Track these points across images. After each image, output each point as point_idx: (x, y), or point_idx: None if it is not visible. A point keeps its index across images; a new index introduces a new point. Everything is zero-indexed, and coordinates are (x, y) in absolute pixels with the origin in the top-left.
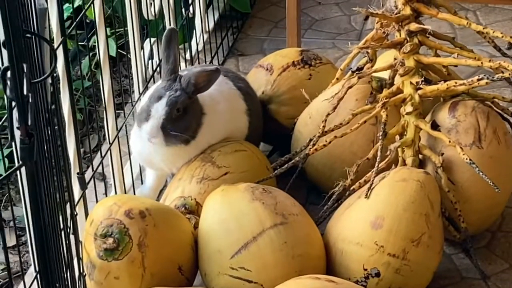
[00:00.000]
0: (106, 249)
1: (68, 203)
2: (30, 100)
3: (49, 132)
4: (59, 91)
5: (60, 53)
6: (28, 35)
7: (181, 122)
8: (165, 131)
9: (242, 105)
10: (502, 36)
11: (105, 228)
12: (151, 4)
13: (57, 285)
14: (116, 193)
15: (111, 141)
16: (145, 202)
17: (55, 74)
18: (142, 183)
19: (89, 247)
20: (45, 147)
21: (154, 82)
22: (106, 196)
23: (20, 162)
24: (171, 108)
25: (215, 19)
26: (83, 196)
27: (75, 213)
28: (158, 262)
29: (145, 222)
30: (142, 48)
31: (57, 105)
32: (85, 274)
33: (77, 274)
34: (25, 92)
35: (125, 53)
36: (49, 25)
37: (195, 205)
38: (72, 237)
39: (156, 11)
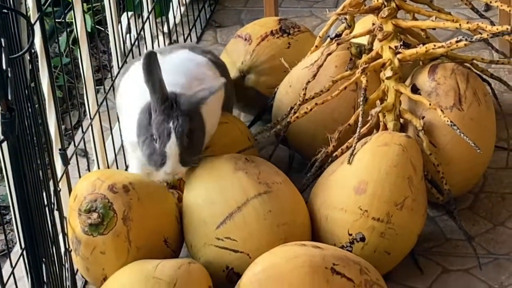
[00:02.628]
0: (91, 224)
1: (51, 180)
2: (10, 75)
3: (29, 108)
4: (38, 68)
5: (37, 29)
6: (5, 10)
7: (194, 143)
8: (184, 163)
9: (220, 79)
10: None
11: (89, 203)
12: None
13: (43, 260)
14: (98, 168)
15: (92, 117)
16: (128, 176)
17: (33, 50)
18: (124, 158)
19: (74, 222)
20: (26, 124)
21: (133, 57)
22: (89, 172)
23: (2, 137)
24: (181, 140)
25: None
26: (65, 172)
27: (59, 189)
28: (144, 236)
29: (129, 196)
30: (119, 22)
31: (37, 82)
32: (71, 250)
33: (62, 249)
34: (4, 67)
35: (102, 29)
36: (25, 1)
37: (177, 180)
38: (56, 213)
39: None
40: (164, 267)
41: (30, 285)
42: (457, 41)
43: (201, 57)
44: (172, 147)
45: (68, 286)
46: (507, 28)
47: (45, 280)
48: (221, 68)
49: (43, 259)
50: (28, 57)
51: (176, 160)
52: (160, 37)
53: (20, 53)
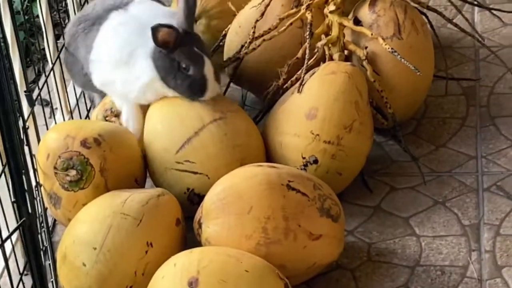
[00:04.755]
0: (71, 181)
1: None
2: None
3: None
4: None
5: None
6: None
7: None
8: (218, 80)
9: None
10: None
11: (65, 161)
12: None
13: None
14: (62, 112)
15: (53, 62)
16: (94, 127)
17: None
18: (86, 105)
19: (50, 180)
20: None
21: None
22: (54, 119)
23: None
24: (211, 60)
25: None
26: (32, 112)
27: (27, 126)
28: (119, 181)
29: (102, 148)
30: None
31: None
32: (41, 185)
33: (33, 183)
34: None
35: None
36: None
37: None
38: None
39: None
40: (132, 202)
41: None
42: None
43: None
44: (209, 68)
45: (41, 215)
46: None
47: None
48: None
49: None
50: None
51: (214, 79)
52: None
53: None
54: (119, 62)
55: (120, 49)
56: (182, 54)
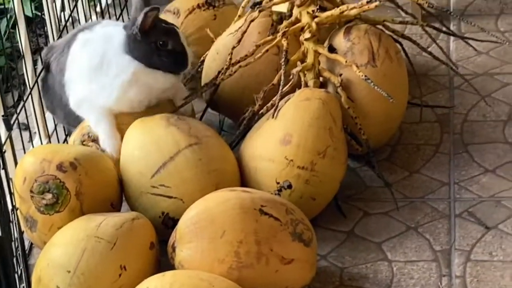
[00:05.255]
0: (46, 205)
1: None
2: None
3: None
4: None
5: None
6: None
7: None
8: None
9: None
10: None
11: (41, 185)
12: None
13: None
14: (40, 137)
15: (31, 87)
16: (70, 151)
17: None
18: (64, 130)
19: (26, 203)
20: None
21: (67, 32)
22: (32, 143)
23: None
24: None
25: None
26: (9, 136)
27: (4, 150)
28: (95, 205)
29: (77, 172)
30: (54, 1)
31: None
32: (17, 208)
33: (10, 207)
34: None
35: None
36: None
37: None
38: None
39: None
40: (107, 225)
41: None
42: (367, 2)
43: None
44: (183, 38)
45: (16, 239)
46: None
47: None
48: None
49: None
50: None
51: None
52: (94, 17)
53: None
54: (92, 71)
55: (90, 59)
56: (156, 33)
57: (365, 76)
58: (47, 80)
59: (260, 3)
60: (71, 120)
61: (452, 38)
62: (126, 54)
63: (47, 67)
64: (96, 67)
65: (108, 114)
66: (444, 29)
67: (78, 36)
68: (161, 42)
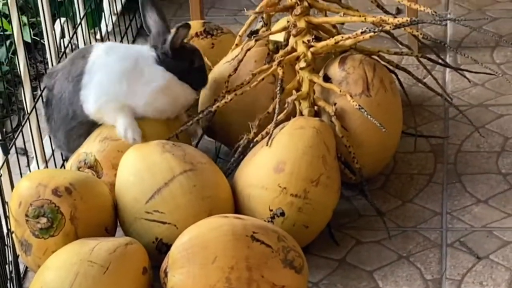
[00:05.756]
0: (41, 229)
1: None
2: None
3: None
4: None
5: None
6: None
7: None
8: None
9: None
10: None
11: (36, 209)
12: None
13: None
14: (37, 164)
15: (29, 111)
16: (66, 176)
17: None
18: (62, 155)
19: (21, 227)
20: None
21: (65, 57)
22: (29, 168)
23: None
24: None
25: (123, 2)
26: (6, 161)
27: (0, 174)
28: (89, 230)
29: (72, 197)
30: (53, 28)
31: None
32: (13, 232)
33: (5, 231)
34: None
35: (38, 39)
36: None
37: (94, 161)
38: None
39: None
40: (100, 250)
41: None
42: (362, 32)
43: None
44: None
45: (11, 262)
46: (407, 20)
47: None
48: None
49: None
50: None
51: None
52: (93, 43)
53: None
54: (125, 71)
55: (122, 63)
56: (184, 51)
57: (359, 105)
58: (50, 103)
59: (257, 32)
60: (71, 141)
61: (448, 69)
62: (159, 65)
63: (49, 90)
64: (129, 70)
65: (129, 111)
66: (440, 60)
67: (93, 47)
68: (190, 60)
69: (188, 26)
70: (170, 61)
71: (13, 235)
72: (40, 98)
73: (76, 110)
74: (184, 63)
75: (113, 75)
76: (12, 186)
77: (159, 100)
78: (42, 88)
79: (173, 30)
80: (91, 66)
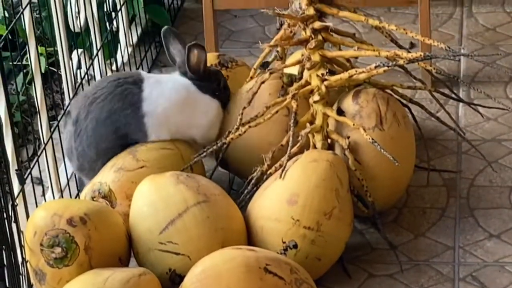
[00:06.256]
0: (55, 258)
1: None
2: None
3: None
4: None
5: None
6: None
7: None
8: None
9: None
10: (396, 29)
11: (51, 239)
12: (77, 17)
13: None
14: (52, 191)
15: (45, 142)
16: (80, 206)
17: None
18: (77, 185)
19: (36, 256)
20: None
21: (83, 89)
22: (44, 197)
23: None
24: None
25: (138, 34)
26: (22, 190)
27: (16, 203)
28: (103, 260)
29: (87, 227)
30: (70, 59)
31: None
32: (27, 261)
33: (20, 260)
34: None
35: (55, 70)
36: None
37: (108, 191)
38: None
39: (81, 24)
40: (114, 280)
41: None
42: (376, 67)
43: None
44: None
45: None
46: (421, 55)
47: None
48: None
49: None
50: None
51: None
52: (109, 74)
53: None
54: (184, 102)
55: (177, 93)
56: (212, 73)
57: (372, 139)
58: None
59: (268, 63)
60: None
61: (461, 103)
62: (204, 94)
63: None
64: (184, 101)
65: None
66: (453, 95)
67: (144, 75)
68: (217, 80)
69: (199, 46)
70: (208, 85)
71: (28, 264)
72: (57, 127)
73: (129, 133)
74: (215, 85)
75: (175, 105)
76: (28, 216)
77: (214, 128)
78: (66, 107)
79: (186, 51)
80: (150, 91)
